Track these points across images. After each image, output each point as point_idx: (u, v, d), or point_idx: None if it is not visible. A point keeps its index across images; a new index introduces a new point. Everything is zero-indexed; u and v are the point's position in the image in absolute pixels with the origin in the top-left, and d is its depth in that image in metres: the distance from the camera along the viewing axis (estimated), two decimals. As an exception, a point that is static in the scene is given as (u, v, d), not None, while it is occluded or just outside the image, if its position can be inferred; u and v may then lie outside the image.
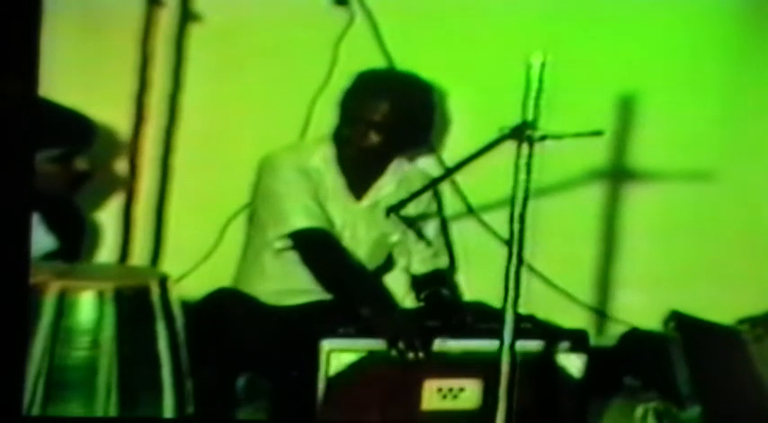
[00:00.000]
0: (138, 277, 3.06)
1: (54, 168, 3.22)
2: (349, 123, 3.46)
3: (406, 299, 3.65)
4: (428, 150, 3.86)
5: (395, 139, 3.48)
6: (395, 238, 3.61)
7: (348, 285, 3.37)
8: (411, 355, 3.08)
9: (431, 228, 3.65)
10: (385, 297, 3.52)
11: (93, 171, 3.37)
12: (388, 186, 3.56)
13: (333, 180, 3.50)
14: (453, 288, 3.82)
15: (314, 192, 3.45)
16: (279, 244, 3.45)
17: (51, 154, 3.20)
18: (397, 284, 3.72)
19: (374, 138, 3.44)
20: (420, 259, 3.62)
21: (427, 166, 3.81)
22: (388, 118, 3.42)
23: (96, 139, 3.39)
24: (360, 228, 3.55)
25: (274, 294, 3.49)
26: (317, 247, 3.43)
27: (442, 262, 3.68)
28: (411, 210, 3.47)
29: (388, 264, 3.71)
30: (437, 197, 3.72)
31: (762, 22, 4.02)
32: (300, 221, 3.41)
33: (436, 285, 3.60)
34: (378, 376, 3.10)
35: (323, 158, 3.50)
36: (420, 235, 3.58)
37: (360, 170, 3.53)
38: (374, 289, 3.50)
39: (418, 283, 3.62)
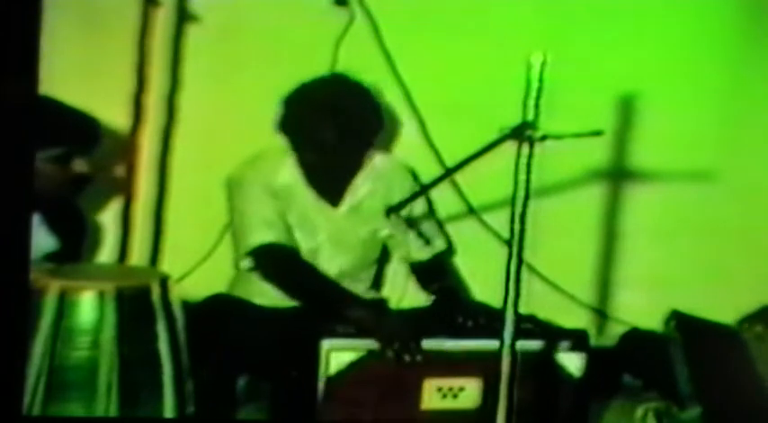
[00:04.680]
0: (138, 277, 3.06)
1: (52, 168, 3.20)
2: (312, 149, 3.41)
3: (406, 289, 3.63)
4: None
5: (359, 146, 3.46)
6: (385, 232, 3.60)
7: (317, 293, 3.36)
8: (407, 356, 3.09)
9: (419, 213, 3.62)
10: (359, 299, 3.47)
11: (94, 174, 3.35)
12: (363, 186, 3.53)
13: (304, 194, 3.48)
14: (452, 271, 3.82)
15: (281, 209, 3.42)
16: (244, 263, 3.43)
17: (50, 153, 3.18)
18: (396, 277, 3.71)
19: (341, 155, 3.41)
20: (417, 247, 3.61)
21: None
22: (348, 134, 3.38)
23: (100, 142, 3.39)
24: (346, 233, 3.54)
25: (271, 297, 3.48)
26: (274, 262, 3.40)
27: (439, 245, 3.66)
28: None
29: (383, 258, 3.72)
30: (417, 182, 3.68)
31: (762, 22, 4.02)
32: (256, 238, 3.38)
33: (442, 275, 3.58)
34: (377, 376, 3.10)
35: (290, 174, 3.47)
36: (411, 224, 3.57)
37: (330, 179, 3.50)
38: (345, 292, 3.44)
39: (421, 272, 3.61)
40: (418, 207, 3.62)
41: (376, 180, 3.55)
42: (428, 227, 3.64)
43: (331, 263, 3.53)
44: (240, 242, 3.43)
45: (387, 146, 3.82)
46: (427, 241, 3.61)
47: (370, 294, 3.66)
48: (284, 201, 3.44)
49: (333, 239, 3.52)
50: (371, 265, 3.66)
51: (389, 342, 3.10)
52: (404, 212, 3.52)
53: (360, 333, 3.12)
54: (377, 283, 3.74)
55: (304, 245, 3.49)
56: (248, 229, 3.40)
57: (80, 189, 3.36)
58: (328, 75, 3.52)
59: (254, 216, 3.40)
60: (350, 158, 3.49)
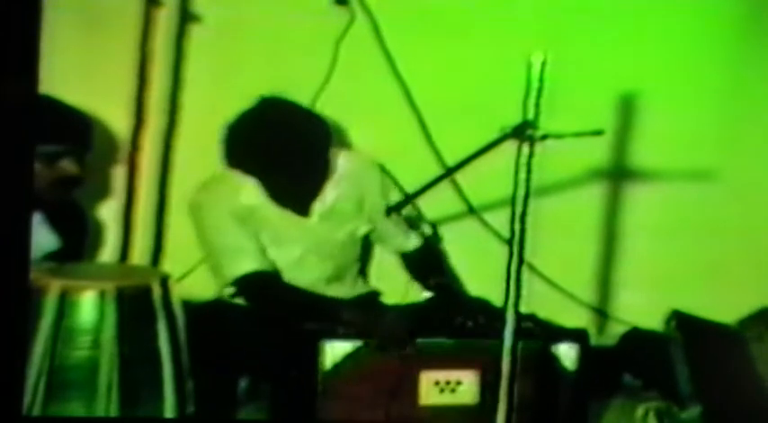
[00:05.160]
0: (139, 277, 3.05)
1: (38, 166, 3.13)
2: (273, 174, 3.41)
3: (411, 283, 3.62)
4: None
5: (316, 158, 3.46)
6: (363, 229, 3.60)
7: (306, 312, 3.33)
8: (401, 352, 3.10)
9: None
10: (349, 305, 3.45)
11: (83, 176, 3.33)
12: (331, 192, 3.52)
13: (272, 211, 3.46)
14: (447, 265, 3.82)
15: (253, 231, 3.42)
16: (227, 291, 3.43)
17: (39, 150, 3.10)
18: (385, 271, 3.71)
19: (302, 172, 3.42)
20: (403, 237, 3.62)
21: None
22: (304, 151, 3.40)
23: (93, 144, 3.37)
24: (323, 240, 3.53)
25: None
26: (258, 291, 3.39)
27: (425, 230, 3.66)
28: (371, 201, 3.50)
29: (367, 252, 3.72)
30: (386, 175, 3.67)
31: (762, 21, 4.01)
32: (236, 270, 3.38)
33: (437, 269, 3.59)
34: (374, 371, 3.10)
35: (254, 195, 3.44)
36: (397, 219, 3.56)
37: (295, 194, 3.48)
38: (333, 304, 3.42)
39: (414, 264, 3.61)
40: (394, 199, 3.61)
41: (343, 182, 3.54)
42: (410, 218, 3.62)
43: (314, 271, 3.52)
44: (219, 273, 3.43)
45: (386, 145, 3.82)
46: (411, 230, 3.60)
47: (360, 288, 3.65)
48: (253, 221, 3.43)
49: (311, 249, 3.51)
50: (354, 263, 3.65)
51: (383, 341, 3.10)
52: (382, 207, 3.51)
53: (357, 335, 3.12)
54: (364, 277, 3.74)
55: (283, 259, 3.48)
56: (226, 261, 3.40)
57: (67, 190, 3.33)
58: (260, 102, 3.48)
59: (229, 247, 3.40)
60: (311, 172, 3.47)
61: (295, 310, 3.35)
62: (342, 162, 3.56)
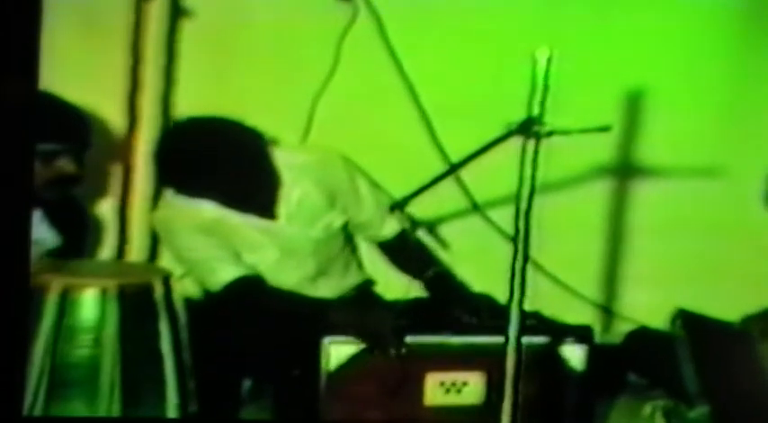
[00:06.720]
0: (141, 275, 3.05)
1: (38, 165, 3.08)
2: (225, 197, 3.38)
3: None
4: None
5: (260, 168, 3.42)
6: (339, 222, 3.55)
7: (299, 307, 3.32)
8: (392, 351, 3.06)
9: (366, 190, 3.58)
10: (336, 304, 3.43)
11: (82, 174, 3.31)
12: (293, 191, 3.46)
13: (237, 221, 3.41)
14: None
15: (222, 242, 3.36)
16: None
17: (37, 149, 3.09)
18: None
19: (252, 186, 3.39)
20: (383, 223, 3.58)
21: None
22: (246, 166, 3.37)
23: (91, 142, 3.35)
24: (297, 240, 3.47)
25: None
26: (245, 299, 3.35)
27: (402, 221, 3.63)
28: (342, 191, 3.48)
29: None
30: (350, 162, 3.61)
31: (765, 18, 4.00)
32: (218, 278, 3.33)
33: (426, 258, 3.57)
34: (378, 371, 3.09)
35: (213, 210, 3.39)
36: (371, 206, 3.55)
37: (254, 203, 3.43)
38: (319, 305, 3.39)
39: (397, 254, 3.58)
40: (362, 187, 3.58)
41: (305, 178, 3.47)
42: (381, 200, 3.59)
43: (294, 273, 3.47)
44: (203, 285, 3.39)
45: (390, 142, 3.81)
46: (388, 216, 3.57)
47: (351, 279, 3.62)
48: (221, 232, 3.38)
49: (287, 251, 3.46)
50: (338, 256, 3.60)
51: (374, 341, 3.07)
52: (354, 195, 3.51)
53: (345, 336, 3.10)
54: (356, 265, 3.71)
55: (261, 265, 3.42)
56: (206, 274, 3.35)
57: (66, 189, 3.31)
58: (173, 127, 3.45)
59: (205, 260, 3.35)
60: (253, 176, 3.42)
61: (282, 315, 3.30)
62: (298, 158, 3.51)
